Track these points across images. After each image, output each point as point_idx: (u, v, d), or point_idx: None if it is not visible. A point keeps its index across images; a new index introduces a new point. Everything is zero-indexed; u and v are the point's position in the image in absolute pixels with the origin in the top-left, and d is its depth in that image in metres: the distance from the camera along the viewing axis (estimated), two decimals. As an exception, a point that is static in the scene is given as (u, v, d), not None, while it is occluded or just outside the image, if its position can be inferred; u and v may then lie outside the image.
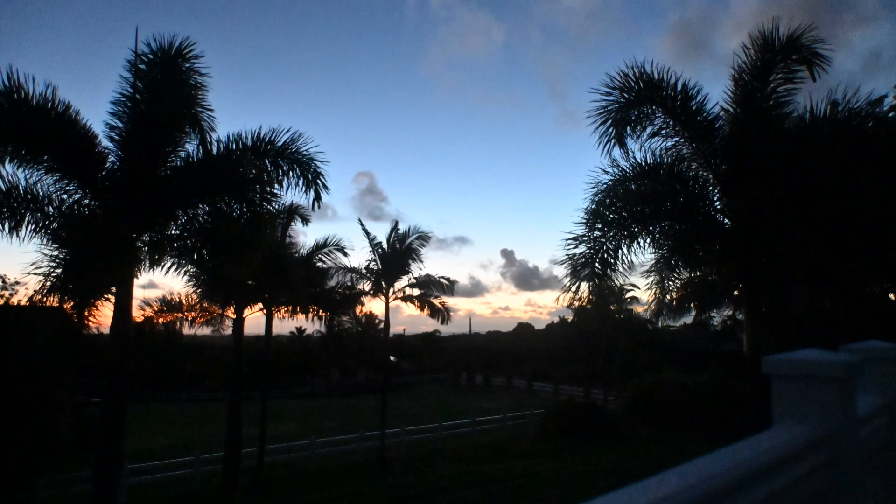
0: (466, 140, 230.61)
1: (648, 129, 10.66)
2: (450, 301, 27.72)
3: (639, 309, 38.31)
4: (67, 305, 11.01)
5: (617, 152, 10.80)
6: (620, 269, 10.35)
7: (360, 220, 29.76)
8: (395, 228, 24.81)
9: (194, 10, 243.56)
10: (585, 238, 10.29)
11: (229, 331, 18.47)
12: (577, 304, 10.97)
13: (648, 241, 10.61)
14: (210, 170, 10.88)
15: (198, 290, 17.45)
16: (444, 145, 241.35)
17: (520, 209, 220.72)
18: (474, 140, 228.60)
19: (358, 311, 24.12)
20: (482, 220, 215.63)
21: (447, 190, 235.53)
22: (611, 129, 10.56)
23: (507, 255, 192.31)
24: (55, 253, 10.82)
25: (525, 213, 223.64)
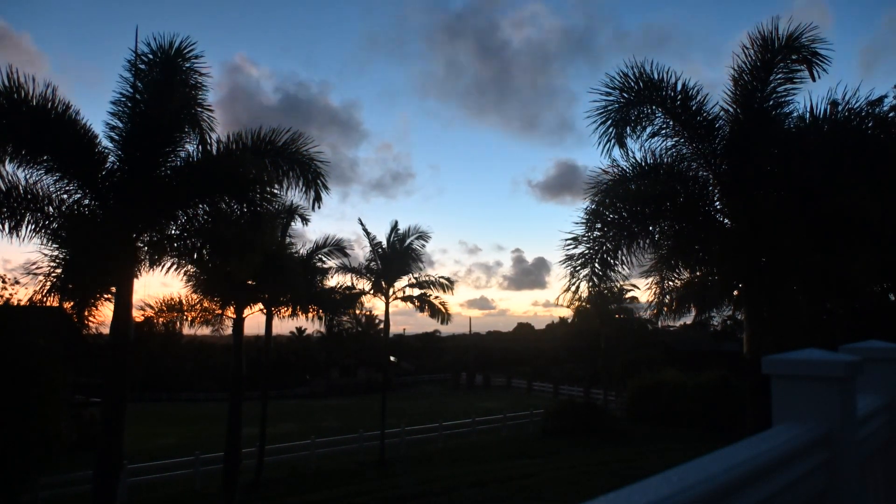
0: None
1: (648, 129, 10.67)
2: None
3: (639, 313, 38.28)
4: (67, 305, 11.01)
5: (617, 152, 10.82)
6: (620, 269, 10.36)
7: (360, 220, 29.96)
8: (395, 228, 24.84)
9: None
10: (585, 238, 10.29)
11: (229, 331, 18.45)
12: (577, 303, 10.97)
13: (648, 241, 10.60)
14: (210, 170, 10.87)
15: (198, 290, 17.45)
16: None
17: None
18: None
19: (361, 305, 24.10)
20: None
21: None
22: (611, 129, 10.56)
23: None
24: (55, 253, 10.84)
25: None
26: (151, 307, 17.62)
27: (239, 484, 17.27)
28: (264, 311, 19.79)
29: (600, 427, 26.36)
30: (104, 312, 11.22)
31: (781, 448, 1.80)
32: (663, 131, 10.60)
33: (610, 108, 10.47)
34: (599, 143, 10.63)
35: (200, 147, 11.44)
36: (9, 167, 9.97)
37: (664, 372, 31.52)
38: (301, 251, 20.49)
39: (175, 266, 12.88)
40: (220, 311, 18.20)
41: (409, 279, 25.24)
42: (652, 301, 13.46)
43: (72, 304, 10.98)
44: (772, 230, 9.55)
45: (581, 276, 10.27)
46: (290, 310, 20.04)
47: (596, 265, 10.22)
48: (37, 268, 10.93)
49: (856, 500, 2.21)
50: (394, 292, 25.11)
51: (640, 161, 10.84)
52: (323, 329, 21.71)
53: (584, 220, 10.37)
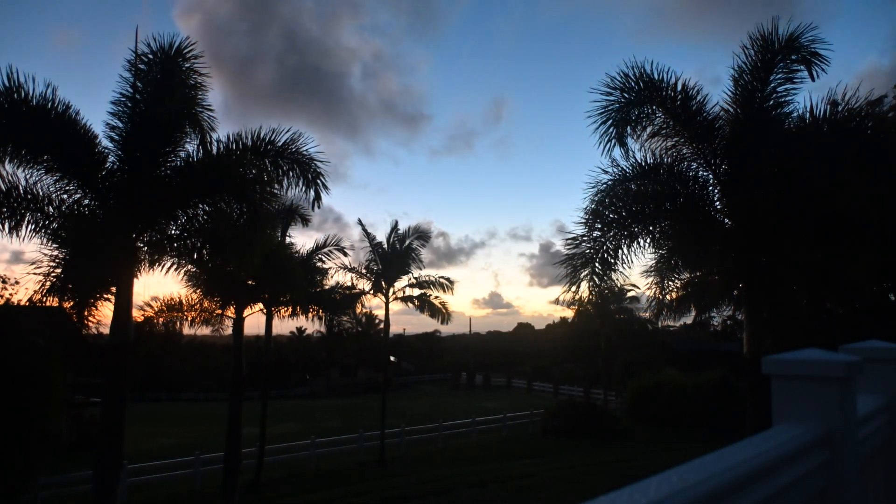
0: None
1: (648, 129, 10.69)
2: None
3: (639, 313, 38.28)
4: (67, 305, 11.01)
5: (617, 152, 10.83)
6: (620, 269, 10.37)
7: (359, 220, 30.21)
8: (395, 228, 24.89)
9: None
10: (585, 238, 10.30)
11: (229, 331, 18.45)
12: (577, 303, 11.00)
13: (648, 241, 10.62)
14: (210, 170, 10.87)
15: (197, 290, 17.46)
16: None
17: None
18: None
19: (361, 305, 24.12)
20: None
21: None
22: (611, 129, 10.57)
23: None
24: (55, 253, 10.83)
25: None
26: (151, 307, 17.63)
27: (239, 484, 17.27)
28: (264, 311, 19.79)
29: (600, 427, 26.34)
30: (104, 312, 11.22)
31: (781, 448, 1.80)
32: (663, 131, 10.61)
33: (610, 108, 10.48)
34: (600, 143, 10.65)
35: (200, 147, 11.45)
36: (9, 167, 9.98)
37: (664, 372, 31.50)
38: (302, 250, 20.50)
39: (175, 266, 12.88)
40: (220, 311, 18.20)
41: (409, 279, 25.30)
42: (652, 301, 13.48)
43: (72, 304, 10.97)
44: (772, 230, 9.55)
45: (582, 275, 10.29)
46: (290, 310, 20.03)
47: (596, 265, 10.23)
48: (37, 268, 10.93)
49: (856, 500, 2.21)
50: (394, 292, 25.14)
51: (640, 161, 10.85)
52: (323, 329, 21.71)
53: (584, 220, 10.39)
